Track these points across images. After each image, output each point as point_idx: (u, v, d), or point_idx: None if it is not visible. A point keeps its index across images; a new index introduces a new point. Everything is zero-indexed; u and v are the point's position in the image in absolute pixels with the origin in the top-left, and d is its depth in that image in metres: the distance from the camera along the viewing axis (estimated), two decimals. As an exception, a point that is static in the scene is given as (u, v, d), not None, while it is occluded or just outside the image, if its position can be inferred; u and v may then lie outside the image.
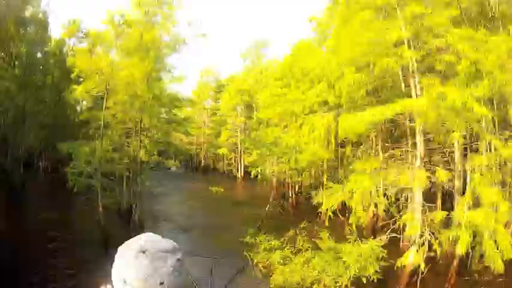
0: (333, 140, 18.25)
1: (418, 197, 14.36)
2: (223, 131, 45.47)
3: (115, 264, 1.42)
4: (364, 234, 17.51)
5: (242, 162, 42.14)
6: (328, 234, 13.98)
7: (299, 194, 27.00)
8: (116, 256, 1.42)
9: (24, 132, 20.43)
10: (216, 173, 49.95)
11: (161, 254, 1.35)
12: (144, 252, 1.33)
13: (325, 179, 22.72)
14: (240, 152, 42.49)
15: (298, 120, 21.10)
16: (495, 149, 12.65)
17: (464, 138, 13.69)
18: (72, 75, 16.17)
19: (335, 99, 19.51)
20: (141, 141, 16.34)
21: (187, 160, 59.43)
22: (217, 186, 31.14)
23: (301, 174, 21.47)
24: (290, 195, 26.24)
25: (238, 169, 43.23)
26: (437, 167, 13.85)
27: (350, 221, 17.12)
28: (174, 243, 1.45)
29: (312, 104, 20.67)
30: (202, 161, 54.68)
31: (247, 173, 42.77)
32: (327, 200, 15.78)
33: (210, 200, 28.02)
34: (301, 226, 20.23)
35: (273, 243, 15.87)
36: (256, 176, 33.31)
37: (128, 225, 16.49)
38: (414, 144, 15.14)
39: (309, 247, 15.32)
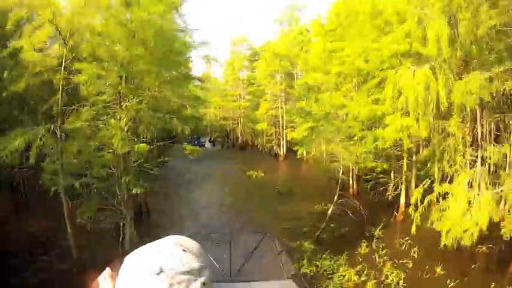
0: (441, 107, 11.81)
1: None
2: (261, 102, 39.45)
3: (120, 282, 0.94)
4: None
5: (284, 138, 36.20)
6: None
7: (360, 180, 20.82)
8: (121, 270, 0.95)
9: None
10: (254, 151, 44.58)
11: (182, 277, 0.90)
12: (159, 273, 0.89)
13: (404, 164, 16.37)
14: (282, 126, 36.47)
15: (373, 79, 14.58)
16: None
17: None
18: (8, 26, 10.76)
19: (428, 47, 12.92)
20: (120, 119, 10.47)
21: (223, 136, 54.77)
22: (255, 170, 25.61)
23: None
24: (350, 182, 20.18)
25: (279, 146, 37.31)
26: None
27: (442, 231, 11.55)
28: (200, 259, 0.95)
29: (390, 56, 14.13)
30: (240, 137, 49.57)
31: (289, 150, 36.98)
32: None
33: (248, 189, 22.50)
34: (375, 234, 14.42)
35: (346, 274, 10.13)
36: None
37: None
38: None
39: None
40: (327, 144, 15.02)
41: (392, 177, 18.01)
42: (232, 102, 47.74)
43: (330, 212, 13.94)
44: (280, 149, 37.16)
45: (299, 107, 19.96)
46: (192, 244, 0.99)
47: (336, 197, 13.83)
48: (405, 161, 16.43)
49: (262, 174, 25.29)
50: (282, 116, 36.25)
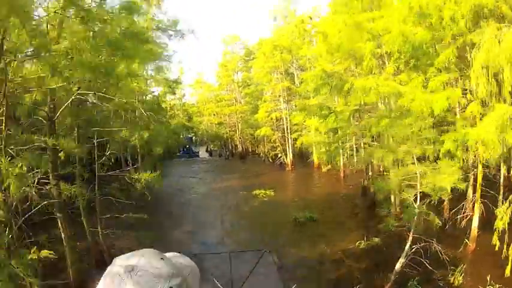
0: None
1: None
2: (260, 104, 34.44)
3: (103, 277, 1.10)
4: None
5: (290, 144, 31.01)
6: None
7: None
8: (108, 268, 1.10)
9: None
10: (256, 160, 39.45)
11: (149, 278, 1.01)
12: (130, 271, 1.00)
13: (479, 176, 11.13)
14: (287, 130, 31.29)
15: (446, 51, 9.36)
16: None
17: None
18: None
19: None
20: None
21: (220, 145, 49.64)
22: (262, 188, 20.27)
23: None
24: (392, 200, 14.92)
25: (286, 153, 32.00)
26: None
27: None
28: (177, 269, 1.05)
29: (468, 12, 8.99)
30: (239, 145, 44.54)
31: (296, 157, 31.85)
32: None
33: (255, 217, 17.09)
34: (455, 282, 9.48)
35: None
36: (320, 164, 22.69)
37: None
38: None
39: None
40: (390, 159, 9.61)
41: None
42: (227, 107, 42.85)
43: (399, 266, 8.65)
44: (286, 157, 31.87)
45: (317, 103, 14.73)
46: (178, 258, 1.04)
47: (407, 247, 8.50)
48: (480, 171, 11.21)
49: (272, 194, 19.94)
50: (286, 118, 31.12)
